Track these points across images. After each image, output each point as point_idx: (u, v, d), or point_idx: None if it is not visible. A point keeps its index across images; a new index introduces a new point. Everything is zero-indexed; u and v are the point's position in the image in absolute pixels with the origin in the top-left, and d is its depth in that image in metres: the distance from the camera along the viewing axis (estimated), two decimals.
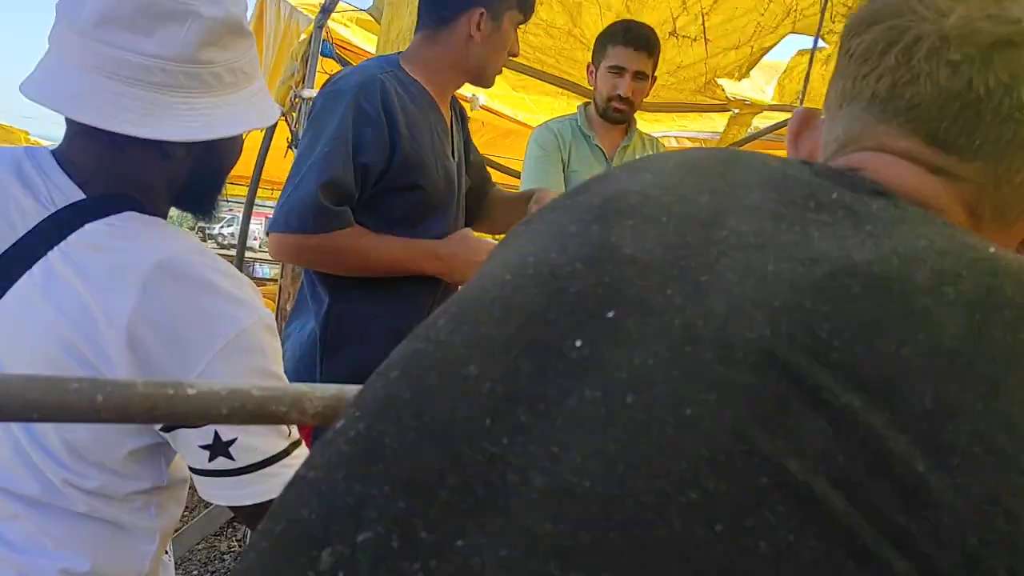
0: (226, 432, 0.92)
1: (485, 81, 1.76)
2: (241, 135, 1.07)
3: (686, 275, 0.47)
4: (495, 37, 1.68)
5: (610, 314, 0.46)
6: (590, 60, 2.39)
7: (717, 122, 4.29)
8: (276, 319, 3.25)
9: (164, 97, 0.93)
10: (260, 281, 8.52)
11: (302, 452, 0.98)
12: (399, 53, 1.77)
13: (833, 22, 2.82)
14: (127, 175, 0.98)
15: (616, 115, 2.33)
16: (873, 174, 0.56)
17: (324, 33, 3.32)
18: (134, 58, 0.91)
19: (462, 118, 1.92)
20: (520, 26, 1.73)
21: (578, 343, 0.45)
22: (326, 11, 3.30)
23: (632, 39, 2.27)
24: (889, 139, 0.58)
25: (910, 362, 0.41)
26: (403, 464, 0.44)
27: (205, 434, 0.91)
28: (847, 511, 0.38)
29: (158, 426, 0.93)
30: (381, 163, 1.59)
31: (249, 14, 4.09)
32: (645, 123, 4.26)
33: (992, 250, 0.47)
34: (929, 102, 0.56)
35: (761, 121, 4.19)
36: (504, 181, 4.98)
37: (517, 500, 0.40)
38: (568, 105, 3.81)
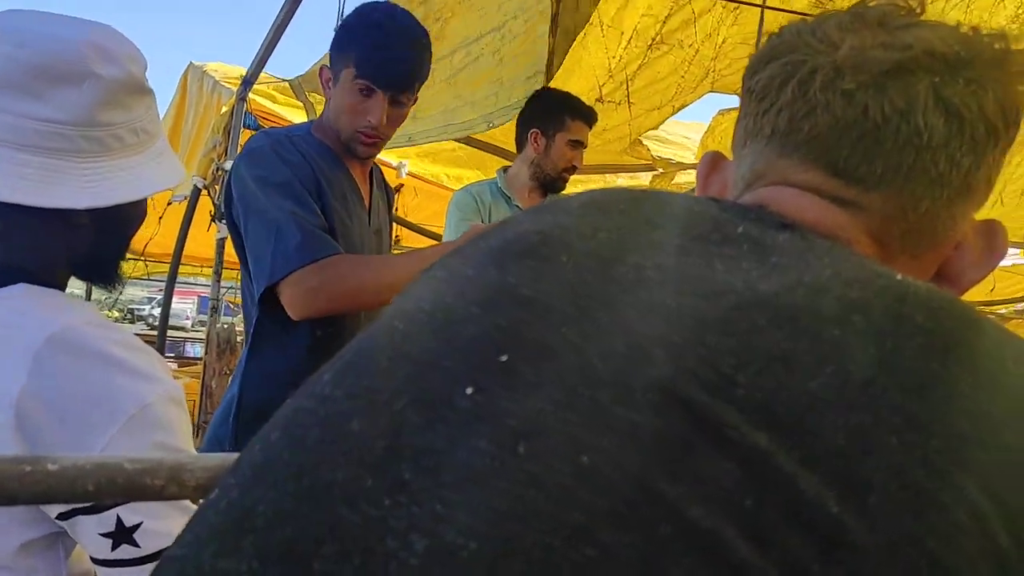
0: (129, 517, 0.85)
1: (348, 145, 1.64)
2: (145, 198, 1.02)
3: (585, 314, 0.44)
4: (336, 96, 1.62)
5: (504, 358, 0.42)
6: (535, 126, 2.37)
7: (642, 180, 4.37)
8: (202, 396, 3.10)
9: (62, 163, 0.88)
10: (192, 360, 8.30)
11: None
12: (311, 121, 1.76)
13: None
14: (22, 245, 0.92)
15: (563, 184, 2.39)
16: (778, 208, 0.55)
17: (246, 105, 3.30)
18: (28, 124, 0.86)
19: (388, 198, 1.90)
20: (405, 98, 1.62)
21: (469, 390, 0.41)
22: (248, 83, 3.28)
23: (589, 115, 2.36)
24: (792, 173, 0.57)
25: (820, 395, 0.38)
26: (276, 534, 0.39)
27: (106, 521, 0.84)
28: (756, 561, 0.34)
29: (54, 514, 0.86)
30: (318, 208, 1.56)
31: (172, 91, 4.06)
32: (571, 184, 4.32)
33: (899, 277, 0.45)
34: (827, 132, 0.56)
35: (684, 178, 4.29)
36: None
37: (396, 566, 0.36)
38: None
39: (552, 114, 2.35)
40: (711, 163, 0.68)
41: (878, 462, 0.37)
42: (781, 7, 2.59)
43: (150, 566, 0.85)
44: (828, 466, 0.36)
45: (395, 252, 1.77)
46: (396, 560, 0.36)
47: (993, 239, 0.60)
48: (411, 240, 4.96)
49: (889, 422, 0.38)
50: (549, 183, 2.37)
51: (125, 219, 1.00)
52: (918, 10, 0.59)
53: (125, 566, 0.85)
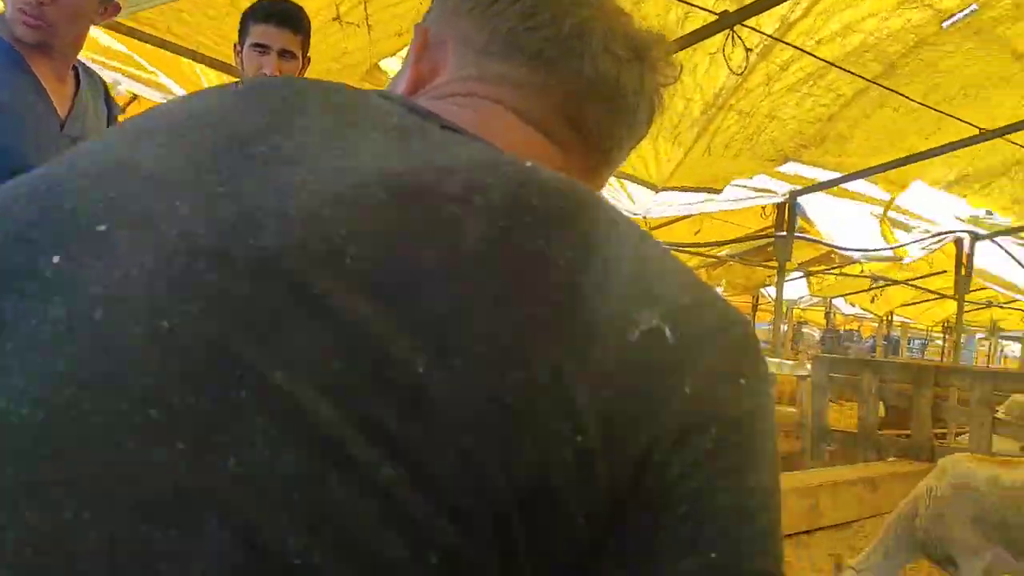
0: None
1: (12, 29, 1.50)
2: None
3: (202, 188, 0.44)
4: None
5: (101, 227, 0.41)
6: (236, 42, 2.20)
7: None
8: None
9: None
10: None
11: None
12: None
13: None
14: None
15: None
16: (490, 133, 0.53)
17: None
18: None
19: (111, 110, 1.77)
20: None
21: (55, 259, 0.40)
22: None
23: (274, 15, 2.12)
24: (526, 100, 0.58)
25: (427, 267, 0.40)
26: None
27: None
28: (334, 420, 0.36)
29: None
30: None
31: None
32: None
33: (528, 164, 0.48)
34: (585, 85, 0.58)
35: None
36: None
37: None
38: None
39: (241, 25, 2.19)
40: (424, 38, 0.62)
41: (473, 328, 0.39)
42: None
43: None
44: (423, 331, 0.38)
45: None
46: None
47: None
48: None
49: (488, 291, 0.40)
50: None
51: None
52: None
53: None
